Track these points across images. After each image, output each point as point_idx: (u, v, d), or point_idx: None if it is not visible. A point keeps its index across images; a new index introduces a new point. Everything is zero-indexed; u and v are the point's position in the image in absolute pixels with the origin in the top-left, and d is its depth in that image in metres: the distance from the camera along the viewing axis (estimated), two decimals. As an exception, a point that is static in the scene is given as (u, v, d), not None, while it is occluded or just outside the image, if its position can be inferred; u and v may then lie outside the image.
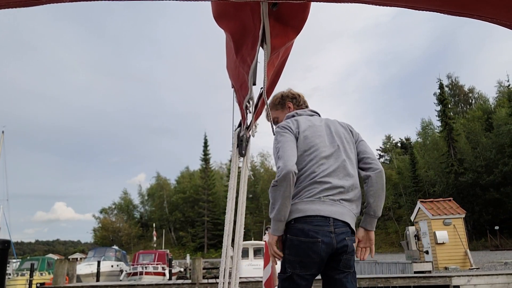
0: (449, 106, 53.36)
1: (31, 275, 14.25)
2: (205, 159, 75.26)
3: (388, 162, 74.40)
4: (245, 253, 17.34)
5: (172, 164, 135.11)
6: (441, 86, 51.84)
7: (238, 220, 1.58)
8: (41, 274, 20.01)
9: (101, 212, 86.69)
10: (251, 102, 1.41)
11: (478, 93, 62.65)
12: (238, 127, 1.78)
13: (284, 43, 1.11)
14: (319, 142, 2.20)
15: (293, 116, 2.33)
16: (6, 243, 2.85)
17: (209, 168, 75.34)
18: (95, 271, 17.91)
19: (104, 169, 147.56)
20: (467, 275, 11.18)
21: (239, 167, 2.06)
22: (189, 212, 73.63)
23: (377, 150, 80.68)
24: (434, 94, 53.23)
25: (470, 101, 63.79)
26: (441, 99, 50.99)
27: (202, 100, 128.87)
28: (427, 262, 13.49)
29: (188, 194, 74.93)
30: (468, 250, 15.09)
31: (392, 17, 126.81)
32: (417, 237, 16.36)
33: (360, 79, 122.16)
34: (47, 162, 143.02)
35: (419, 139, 61.76)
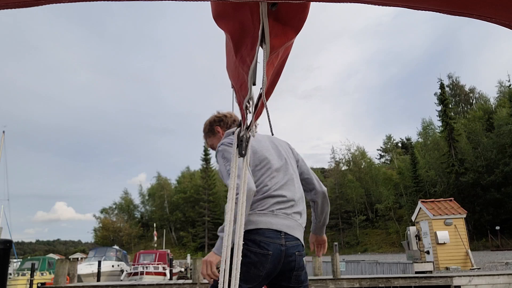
0: (450, 106, 53.35)
1: (32, 275, 14.26)
2: (206, 159, 75.27)
3: (388, 162, 74.42)
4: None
5: (172, 164, 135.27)
6: (442, 86, 51.83)
7: (238, 221, 1.57)
8: (42, 274, 20.01)
9: (101, 212, 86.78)
10: (251, 102, 1.41)
11: (479, 93, 62.71)
12: (238, 127, 1.79)
13: (283, 43, 1.10)
14: (268, 156, 2.22)
15: (233, 133, 2.29)
16: (8, 243, 2.85)
17: (209, 168, 75.35)
18: (96, 271, 17.90)
19: (104, 169, 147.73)
20: (468, 275, 11.17)
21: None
22: (190, 212, 73.65)
23: (377, 150, 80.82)
24: (435, 94, 53.28)
25: (471, 101, 63.79)
26: (442, 99, 50.96)
27: (203, 100, 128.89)
28: (428, 262, 13.47)
29: (189, 194, 74.97)
30: (469, 250, 15.07)
31: (393, 17, 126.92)
32: (418, 237, 16.34)
33: (361, 79, 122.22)
34: (47, 162, 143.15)
35: (419, 139, 61.78)
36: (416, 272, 12.48)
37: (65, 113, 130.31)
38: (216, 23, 1.12)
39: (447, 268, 14.45)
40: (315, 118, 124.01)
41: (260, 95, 1.39)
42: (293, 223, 2.13)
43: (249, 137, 1.52)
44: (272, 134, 1.64)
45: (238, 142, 1.49)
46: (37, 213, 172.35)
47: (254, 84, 1.30)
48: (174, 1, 0.65)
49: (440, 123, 53.36)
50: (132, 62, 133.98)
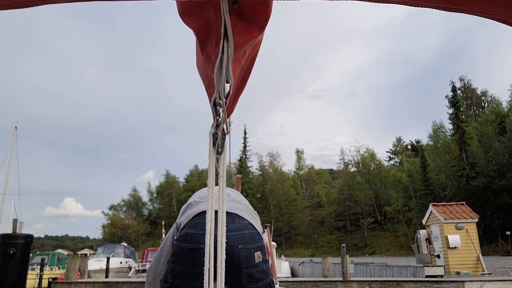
0: (462, 109, 52.83)
1: (41, 270, 14.35)
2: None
3: (398, 165, 73.93)
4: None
5: (181, 163, 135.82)
6: (453, 89, 51.33)
7: (220, 218, 1.54)
8: (51, 269, 20.17)
9: (110, 208, 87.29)
10: (220, 100, 1.41)
11: (491, 96, 61.95)
12: (212, 126, 1.78)
13: (248, 41, 1.11)
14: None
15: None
16: (29, 238, 2.85)
17: (217, 167, 75.46)
18: (105, 267, 18.00)
19: (113, 166, 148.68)
20: (480, 280, 11.02)
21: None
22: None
23: (387, 152, 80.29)
24: (446, 96, 52.76)
25: (483, 104, 63.08)
26: (454, 102, 50.47)
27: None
28: (439, 266, 13.32)
29: (197, 193, 75.08)
30: (480, 255, 14.89)
31: (405, 18, 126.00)
32: (428, 240, 16.17)
33: (371, 80, 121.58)
34: (57, 158, 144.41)
35: (430, 142, 61.22)
36: (427, 276, 12.36)
37: (75, 111, 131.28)
38: (182, 20, 1.13)
39: (457, 273, 14.27)
40: (324, 119, 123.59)
41: (228, 93, 1.39)
42: (237, 205, 1.94)
43: (224, 135, 1.50)
44: (227, 132, 1.59)
45: (214, 141, 1.48)
46: (46, 209, 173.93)
47: (227, 82, 1.30)
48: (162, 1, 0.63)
49: (451, 126, 52.89)
50: (141, 60, 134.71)
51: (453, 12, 0.62)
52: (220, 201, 1.58)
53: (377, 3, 0.63)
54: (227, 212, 1.79)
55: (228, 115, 1.51)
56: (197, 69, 1.51)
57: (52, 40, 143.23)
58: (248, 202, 2.12)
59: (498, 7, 0.58)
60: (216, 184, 1.64)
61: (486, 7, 0.59)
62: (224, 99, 1.39)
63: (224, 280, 1.45)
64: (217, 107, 1.47)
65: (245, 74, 1.42)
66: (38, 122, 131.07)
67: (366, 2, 0.63)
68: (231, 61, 1.14)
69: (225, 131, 1.51)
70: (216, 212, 1.58)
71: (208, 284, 1.36)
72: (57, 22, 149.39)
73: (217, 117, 1.51)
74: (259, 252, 1.80)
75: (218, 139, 1.50)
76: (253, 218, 1.93)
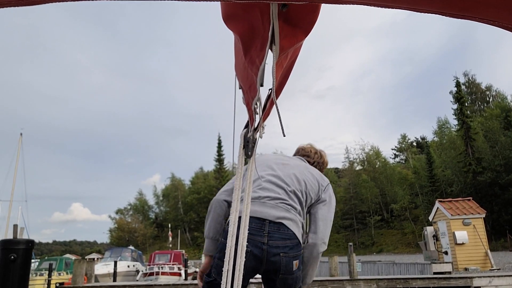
0: (466, 104, 52.55)
1: (49, 275, 14.42)
2: (219, 159, 75.51)
3: (403, 162, 73.65)
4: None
5: (186, 165, 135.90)
6: (457, 84, 51.09)
7: (242, 221, 1.54)
8: (59, 274, 20.24)
9: (117, 212, 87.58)
10: (258, 104, 1.40)
11: (495, 91, 61.55)
12: (245, 128, 1.77)
13: (293, 44, 1.11)
14: (271, 168, 2.28)
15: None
16: (30, 243, 2.87)
17: (223, 168, 75.55)
18: (112, 271, 18.05)
19: (119, 170, 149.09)
20: (489, 276, 10.94)
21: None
22: (204, 213, 73.20)
23: (392, 149, 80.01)
24: (450, 92, 52.55)
25: (488, 99, 62.72)
26: (458, 98, 50.22)
27: (216, 101, 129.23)
28: (446, 263, 13.24)
29: (203, 195, 75.20)
30: (488, 251, 14.78)
31: (407, 15, 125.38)
32: (436, 237, 16.08)
33: (375, 78, 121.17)
34: (63, 163, 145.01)
35: (435, 138, 60.95)
36: (435, 273, 12.28)
37: (80, 115, 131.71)
38: (225, 24, 1.11)
39: (466, 269, 14.18)
40: (329, 118, 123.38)
41: (268, 96, 1.37)
42: (285, 213, 2.04)
43: (256, 138, 1.51)
44: (284, 136, 1.61)
45: (245, 143, 1.47)
46: (54, 214, 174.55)
47: (262, 85, 1.29)
48: (185, 1, 0.64)
49: (456, 122, 52.66)
50: (146, 63, 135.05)
51: (458, 19, 0.62)
52: (245, 205, 1.60)
53: (382, 8, 0.63)
54: (273, 222, 1.95)
55: (265, 119, 1.51)
56: (236, 72, 1.49)
57: (56, 45, 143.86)
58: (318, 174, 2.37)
59: (504, 14, 0.58)
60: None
61: (492, 14, 0.59)
62: (263, 103, 1.38)
63: (241, 283, 1.49)
64: (255, 111, 1.47)
65: (284, 78, 1.40)
66: (44, 127, 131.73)
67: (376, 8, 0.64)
68: (275, 65, 1.13)
69: (260, 135, 1.51)
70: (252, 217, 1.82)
71: (226, 284, 1.41)
72: (62, 27, 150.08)
73: (254, 121, 1.51)
74: (297, 261, 1.96)
75: (250, 143, 1.50)
76: (298, 227, 2.04)
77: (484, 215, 15.35)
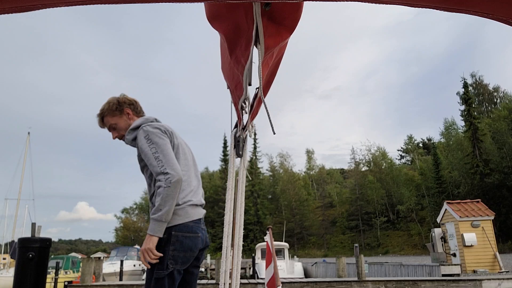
0: (474, 105, 52.18)
1: (56, 274, 14.44)
2: (225, 159, 75.50)
3: (409, 163, 73.31)
4: (264, 255, 17.23)
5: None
6: (465, 85, 50.75)
7: (237, 221, 1.54)
8: (66, 272, 20.32)
9: (122, 212, 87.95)
10: (246, 103, 1.38)
11: (503, 92, 61.08)
12: (234, 128, 1.76)
13: (278, 43, 1.13)
14: (185, 148, 2.44)
15: (155, 121, 2.47)
16: (48, 241, 2.86)
17: (228, 168, 75.53)
18: (118, 270, 18.10)
19: (125, 170, 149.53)
20: (498, 279, 10.84)
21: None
22: (209, 213, 73.95)
23: (398, 150, 79.71)
24: (457, 93, 52.20)
25: (495, 100, 62.26)
26: (466, 99, 49.88)
27: (221, 101, 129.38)
28: (455, 265, 13.11)
29: (208, 195, 75.29)
30: (497, 253, 14.65)
31: (415, 15, 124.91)
32: (444, 239, 15.95)
33: (381, 79, 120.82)
34: (70, 163, 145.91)
35: (442, 140, 60.60)
36: (443, 275, 12.18)
37: (86, 115, 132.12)
38: (210, 24, 1.13)
39: (474, 271, 14.05)
40: (334, 118, 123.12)
41: (256, 95, 1.35)
42: (203, 211, 2.38)
43: (245, 138, 1.51)
44: (274, 133, 1.60)
45: (235, 143, 1.48)
46: (60, 213, 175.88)
47: (249, 84, 1.29)
48: (181, 3, 0.64)
49: (463, 123, 52.31)
50: (152, 64, 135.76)
51: (453, 13, 0.61)
52: (239, 203, 1.63)
53: (376, 4, 0.62)
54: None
55: (253, 118, 1.49)
56: (222, 72, 1.48)
57: (63, 46, 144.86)
58: None
59: (499, 7, 0.58)
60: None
61: (486, 7, 0.59)
62: (251, 102, 1.36)
63: (239, 276, 1.55)
64: (243, 110, 1.45)
65: (270, 77, 1.41)
66: (51, 128, 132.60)
67: (367, 3, 0.63)
68: (261, 64, 1.13)
69: (249, 134, 1.50)
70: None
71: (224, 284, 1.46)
72: (68, 28, 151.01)
73: (242, 120, 1.49)
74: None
75: (240, 142, 1.50)
76: None
77: (493, 217, 15.21)
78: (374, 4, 0.63)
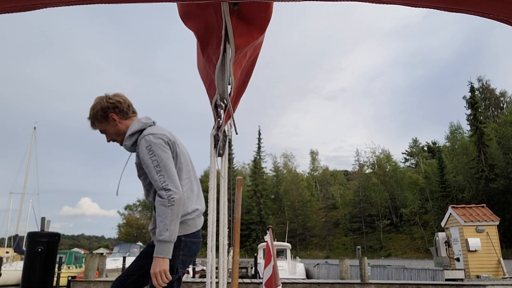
0: (480, 110, 51.91)
1: (59, 268, 14.49)
2: (229, 158, 75.22)
3: (414, 166, 73.05)
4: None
5: (195, 164, 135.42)
6: (472, 90, 50.52)
7: (221, 220, 1.55)
8: (68, 267, 20.39)
9: (125, 208, 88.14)
10: (221, 102, 1.38)
11: (510, 97, 60.80)
12: (213, 127, 1.76)
13: (249, 42, 1.12)
14: (185, 154, 2.37)
15: (153, 124, 2.38)
16: (57, 236, 2.87)
17: (232, 168, 75.53)
18: (121, 266, 18.15)
19: (129, 167, 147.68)
20: (501, 284, 10.77)
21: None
22: (212, 211, 73.97)
23: (402, 153, 79.45)
24: (464, 97, 52.00)
25: (502, 105, 61.96)
26: (472, 103, 49.66)
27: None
28: (459, 269, 13.05)
29: (211, 194, 75.38)
30: (501, 259, 14.55)
31: (423, 17, 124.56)
32: (448, 243, 15.86)
33: (386, 81, 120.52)
34: (74, 158, 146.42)
35: (447, 143, 60.34)
36: (447, 280, 12.12)
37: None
38: (183, 22, 1.14)
39: (478, 276, 13.97)
40: (339, 119, 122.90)
41: (229, 94, 1.35)
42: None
43: (226, 137, 1.52)
44: (236, 133, 1.62)
45: (215, 142, 1.48)
46: (63, 208, 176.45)
47: (228, 84, 1.29)
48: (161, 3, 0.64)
49: (469, 127, 52.07)
50: (156, 62, 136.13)
51: (454, 13, 0.61)
52: (222, 202, 1.66)
53: (376, 4, 0.62)
54: None
55: (229, 117, 1.49)
56: (198, 70, 1.49)
57: (68, 43, 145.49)
58: None
59: (499, 7, 0.57)
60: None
61: (487, 7, 0.59)
62: (225, 101, 1.36)
63: (226, 275, 1.59)
64: (218, 109, 1.45)
65: (246, 76, 1.42)
66: (56, 124, 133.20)
67: (372, 4, 0.62)
68: (232, 63, 1.15)
69: (227, 133, 1.50)
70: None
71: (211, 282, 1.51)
72: (73, 25, 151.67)
73: (218, 119, 1.49)
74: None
75: (219, 141, 1.50)
76: None
77: (498, 223, 15.12)
78: (374, 4, 0.62)
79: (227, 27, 1.02)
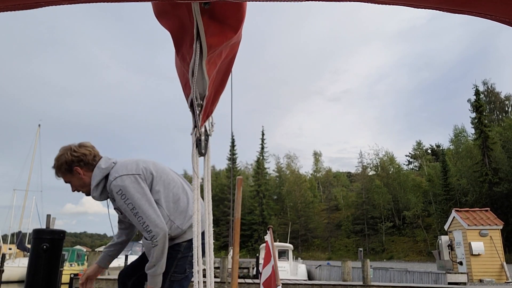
0: (485, 113, 51.70)
1: (61, 266, 14.53)
2: (232, 158, 75.56)
3: (417, 169, 72.84)
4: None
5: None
6: (477, 93, 50.30)
7: (206, 220, 1.56)
8: (71, 265, 20.44)
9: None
10: (194, 101, 1.40)
11: (515, 101, 60.50)
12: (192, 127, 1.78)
13: (222, 42, 1.13)
14: (170, 174, 2.44)
15: (114, 165, 2.38)
16: (62, 233, 2.88)
17: (235, 167, 75.56)
18: (123, 264, 18.17)
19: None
20: (505, 289, 10.71)
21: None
22: (214, 211, 71.91)
23: (406, 156, 79.23)
24: (468, 100, 51.79)
25: (507, 109, 61.72)
26: (477, 106, 49.45)
27: (229, 100, 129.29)
28: (462, 273, 12.99)
29: (214, 193, 74.46)
30: (504, 263, 14.49)
31: (428, 19, 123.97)
32: (451, 247, 15.81)
33: (391, 83, 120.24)
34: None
35: (451, 147, 60.14)
36: (449, 283, 12.06)
37: (95, 110, 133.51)
38: (158, 21, 1.14)
39: (481, 281, 13.91)
40: (343, 121, 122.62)
41: (208, 94, 1.36)
42: None
43: (207, 136, 1.53)
44: (210, 135, 1.64)
45: (197, 142, 1.49)
46: (66, 205, 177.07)
47: (196, 83, 1.28)
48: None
49: (473, 131, 51.85)
50: (161, 60, 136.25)
51: (456, 14, 0.61)
52: (206, 203, 1.69)
53: (376, 4, 0.62)
54: None
55: (207, 116, 1.51)
56: (176, 69, 1.50)
57: (74, 40, 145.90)
58: None
59: (501, 8, 0.57)
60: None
61: (488, 8, 0.58)
62: (200, 100, 1.38)
63: (213, 275, 1.68)
64: (195, 108, 1.46)
65: (223, 76, 1.43)
66: (60, 121, 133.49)
67: (375, 4, 0.62)
68: (205, 62, 1.15)
69: (208, 132, 1.52)
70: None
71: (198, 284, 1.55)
72: (79, 22, 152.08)
73: (195, 118, 1.50)
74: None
75: (201, 141, 1.51)
76: None
77: (501, 227, 15.06)
78: (377, 5, 0.62)
79: (199, 26, 1.03)
